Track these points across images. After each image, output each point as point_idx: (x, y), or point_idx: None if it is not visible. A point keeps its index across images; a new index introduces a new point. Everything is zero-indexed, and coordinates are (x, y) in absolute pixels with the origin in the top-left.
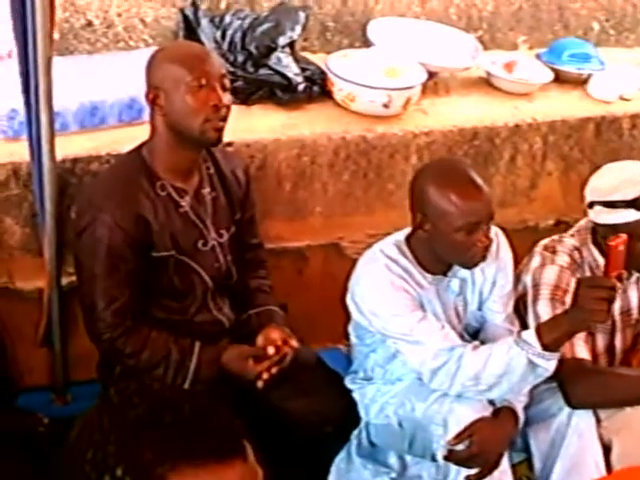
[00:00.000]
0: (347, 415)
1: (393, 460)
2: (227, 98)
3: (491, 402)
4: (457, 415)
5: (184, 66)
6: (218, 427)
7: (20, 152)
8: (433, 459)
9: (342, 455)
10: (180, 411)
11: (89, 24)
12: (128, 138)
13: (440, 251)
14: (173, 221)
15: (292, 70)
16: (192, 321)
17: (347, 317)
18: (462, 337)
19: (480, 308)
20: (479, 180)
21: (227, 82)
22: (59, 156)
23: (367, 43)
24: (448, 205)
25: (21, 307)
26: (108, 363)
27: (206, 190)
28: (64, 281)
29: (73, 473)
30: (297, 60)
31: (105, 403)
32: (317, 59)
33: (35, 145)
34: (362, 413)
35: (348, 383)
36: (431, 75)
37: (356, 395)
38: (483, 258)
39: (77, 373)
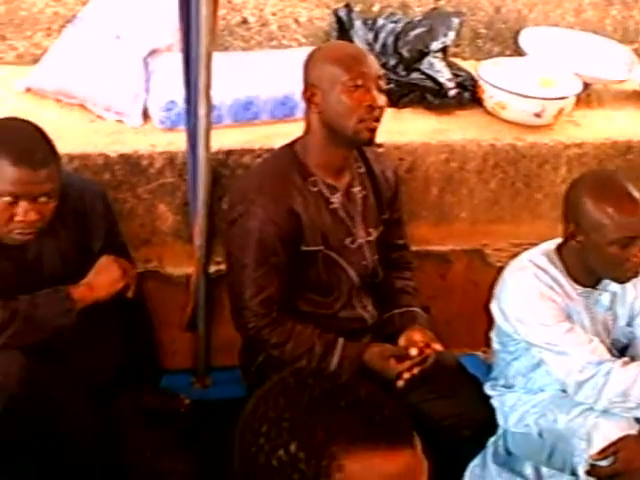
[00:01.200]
0: (485, 421)
1: (529, 471)
2: (382, 99)
3: (637, 420)
4: (602, 430)
5: (341, 66)
6: (391, 414)
7: (176, 142)
8: (572, 473)
9: (477, 461)
10: (356, 395)
11: (244, 22)
12: (280, 134)
13: (592, 263)
14: (323, 217)
15: (444, 75)
16: (336, 316)
17: (488, 324)
18: (610, 352)
19: (630, 324)
20: (637, 194)
21: (383, 83)
22: (213, 148)
23: (518, 51)
24: (604, 218)
25: (169, 291)
26: (250, 352)
27: (356, 189)
28: (212, 269)
29: (246, 444)
30: (449, 66)
31: (280, 383)
32: (467, 66)
33: (192, 136)
34: (501, 420)
35: (488, 389)
36: (585, 86)
37: (495, 402)
38: (636, 273)
39: (218, 359)
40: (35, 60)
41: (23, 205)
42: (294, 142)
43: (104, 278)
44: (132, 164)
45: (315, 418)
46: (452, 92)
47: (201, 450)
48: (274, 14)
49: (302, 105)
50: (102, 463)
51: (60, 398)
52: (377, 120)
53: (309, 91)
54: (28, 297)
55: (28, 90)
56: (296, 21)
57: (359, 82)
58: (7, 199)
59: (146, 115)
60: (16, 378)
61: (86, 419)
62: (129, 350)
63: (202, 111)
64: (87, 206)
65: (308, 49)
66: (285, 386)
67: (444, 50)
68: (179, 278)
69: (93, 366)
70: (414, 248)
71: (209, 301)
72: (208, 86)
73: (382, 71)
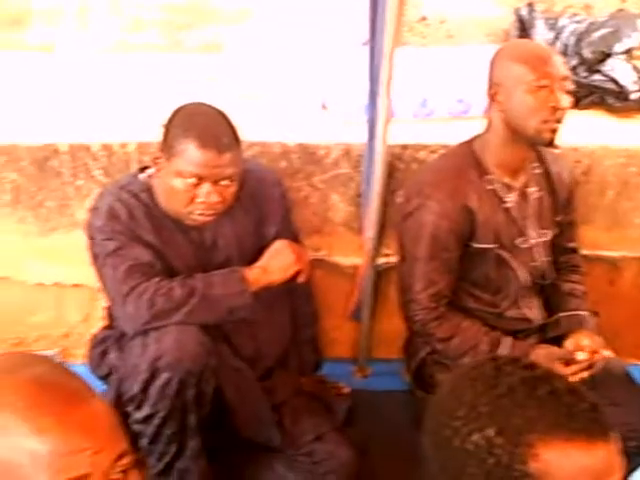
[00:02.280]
0: None
1: None
2: (566, 101)
3: None
4: None
5: (527, 65)
6: (590, 407)
7: (354, 134)
8: None
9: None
10: (554, 386)
11: (423, 18)
12: (456, 131)
13: None
14: (497, 215)
15: (627, 78)
16: (502, 315)
17: None
18: None
19: None
20: None
21: (568, 84)
22: (390, 141)
23: None
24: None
25: (336, 280)
26: (414, 345)
27: (532, 189)
28: (380, 261)
29: (440, 427)
30: (634, 68)
31: (476, 368)
32: None
33: (370, 129)
34: None
35: None
36: None
37: None
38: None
39: (379, 350)
40: (218, 49)
41: (206, 187)
42: (472, 139)
43: (278, 262)
44: (309, 154)
45: (514, 405)
46: (634, 95)
47: (358, 438)
48: (454, 11)
49: (478, 104)
50: (265, 440)
51: (230, 376)
52: (559, 121)
53: (493, 89)
54: (205, 276)
55: (210, 78)
56: (475, 19)
57: (544, 82)
58: (191, 180)
59: (325, 106)
60: (192, 354)
61: (253, 399)
62: (294, 334)
63: (382, 105)
64: (264, 192)
65: (486, 47)
66: (482, 371)
67: (629, 52)
68: (347, 268)
69: (261, 347)
70: (584, 252)
71: (375, 292)
72: (390, 80)
73: (568, 72)
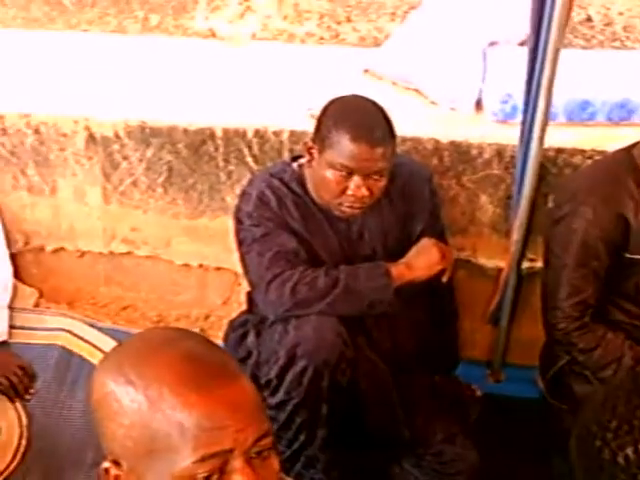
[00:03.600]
0: None
1: None
2: None
3: None
4: None
5: None
6: None
7: (507, 135)
8: None
9: None
10: None
11: (588, 19)
12: (615, 137)
13: None
14: None
15: None
16: None
17: None
18: None
19: None
20: None
21: None
22: (545, 144)
23: None
24: None
25: (478, 282)
26: (552, 354)
27: None
28: (524, 265)
29: (590, 436)
30: None
31: (632, 379)
32: None
33: (526, 131)
34: None
35: None
36: None
37: None
38: None
39: (515, 355)
40: (376, 43)
41: (356, 180)
42: (632, 146)
43: (423, 259)
44: (461, 152)
45: None
46: None
47: (488, 442)
48: (621, 14)
49: None
50: (394, 436)
51: (365, 369)
52: None
53: None
54: (350, 268)
55: (366, 71)
56: None
57: None
58: (342, 173)
59: (479, 105)
60: (330, 344)
61: (386, 393)
62: (432, 333)
63: (541, 106)
64: (414, 188)
65: None
66: (638, 384)
67: None
68: (490, 270)
69: (398, 343)
70: None
71: (516, 297)
72: (551, 82)
73: None
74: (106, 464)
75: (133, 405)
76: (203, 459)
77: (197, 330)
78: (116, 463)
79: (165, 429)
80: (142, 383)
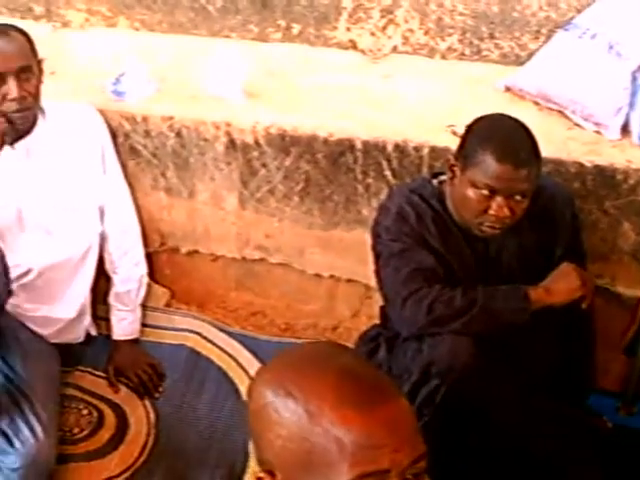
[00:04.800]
0: None
1: None
2: None
3: None
4: None
5: None
6: None
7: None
8: None
9: None
10: None
11: None
12: None
13: None
14: None
15: None
16: None
17: None
18: None
19: None
20: None
21: None
22: None
23: None
24: None
25: (615, 311)
26: None
27: None
28: None
29: None
30: None
31: None
32: None
33: None
34: None
35: None
36: None
37: None
38: None
39: None
40: (518, 61)
41: (498, 200)
42: None
43: (563, 285)
44: (605, 177)
45: None
46: None
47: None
48: None
49: None
50: (519, 459)
51: (495, 390)
52: None
53: None
54: (487, 289)
55: (507, 89)
56: None
57: None
58: (484, 192)
59: (625, 129)
60: (463, 362)
61: (515, 414)
62: (566, 359)
63: None
64: (556, 210)
65: None
66: None
67: None
68: (629, 299)
69: (530, 366)
70: None
71: None
72: None
73: None
74: (260, 474)
75: (292, 417)
76: (359, 477)
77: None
78: (271, 474)
79: (323, 443)
80: (302, 396)
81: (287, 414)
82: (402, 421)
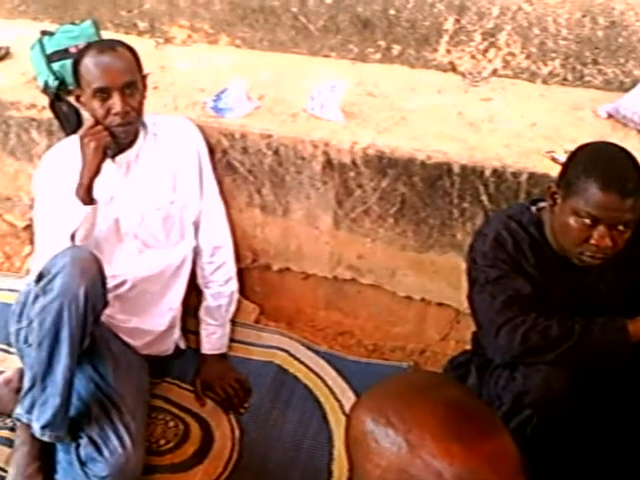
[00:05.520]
0: None
1: None
2: None
3: None
4: None
5: None
6: None
7: None
8: None
9: None
10: None
11: None
12: None
13: None
14: None
15: None
16: None
17: None
18: None
19: None
20: None
21: None
22: None
23: None
24: None
25: None
26: None
27: None
28: None
29: None
30: None
31: None
32: None
33: None
34: None
35: None
36: None
37: None
38: None
39: None
40: (622, 87)
41: (601, 230)
42: None
43: None
44: None
45: None
46: None
47: None
48: None
49: None
50: None
51: (597, 421)
52: None
53: None
54: (585, 321)
55: (610, 117)
56: None
57: None
58: (587, 221)
59: None
60: (558, 396)
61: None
62: None
63: None
64: None
65: None
66: None
67: None
68: None
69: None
70: None
71: None
72: None
73: None
74: None
75: (392, 448)
76: None
77: (411, 363)
78: None
79: (422, 476)
80: (403, 427)
81: (387, 444)
82: (508, 458)
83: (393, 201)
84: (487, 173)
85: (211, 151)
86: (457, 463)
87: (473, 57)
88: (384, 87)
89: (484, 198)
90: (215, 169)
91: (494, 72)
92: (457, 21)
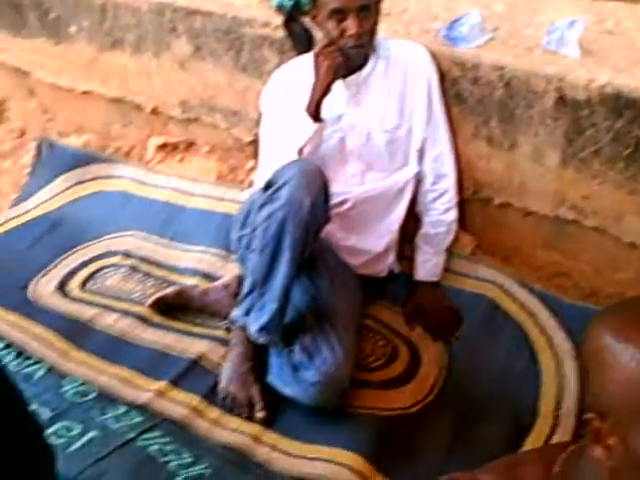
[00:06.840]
0: None
1: None
2: None
3: None
4: None
5: None
6: None
7: None
8: None
9: None
10: None
11: None
12: None
13: None
14: None
15: None
16: None
17: None
18: None
19: None
20: None
21: None
22: None
23: None
24: None
25: None
26: None
27: None
28: None
29: None
30: None
31: None
32: None
33: None
34: None
35: None
36: None
37: None
38: None
39: None
40: None
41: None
42: None
43: None
44: None
45: None
46: None
47: None
48: None
49: None
50: None
51: None
52: None
53: None
54: None
55: None
56: None
57: None
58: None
59: None
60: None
61: None
62: None
63: None
64: None
65: None
66: None
67: None
68: None
69: None
70: None
71: None
72: None
73: None
74: (590, 415)
75: (631, 363)
76: None
77: None
78: (601, 416)
79: None
80: None
81: (625, 359)
82: None
83: (627, 143)
84: None
85: (441, 80)
86: None
87: None
88: (625, 26)
89: None
90: (444, 98)
91: None
92: None
